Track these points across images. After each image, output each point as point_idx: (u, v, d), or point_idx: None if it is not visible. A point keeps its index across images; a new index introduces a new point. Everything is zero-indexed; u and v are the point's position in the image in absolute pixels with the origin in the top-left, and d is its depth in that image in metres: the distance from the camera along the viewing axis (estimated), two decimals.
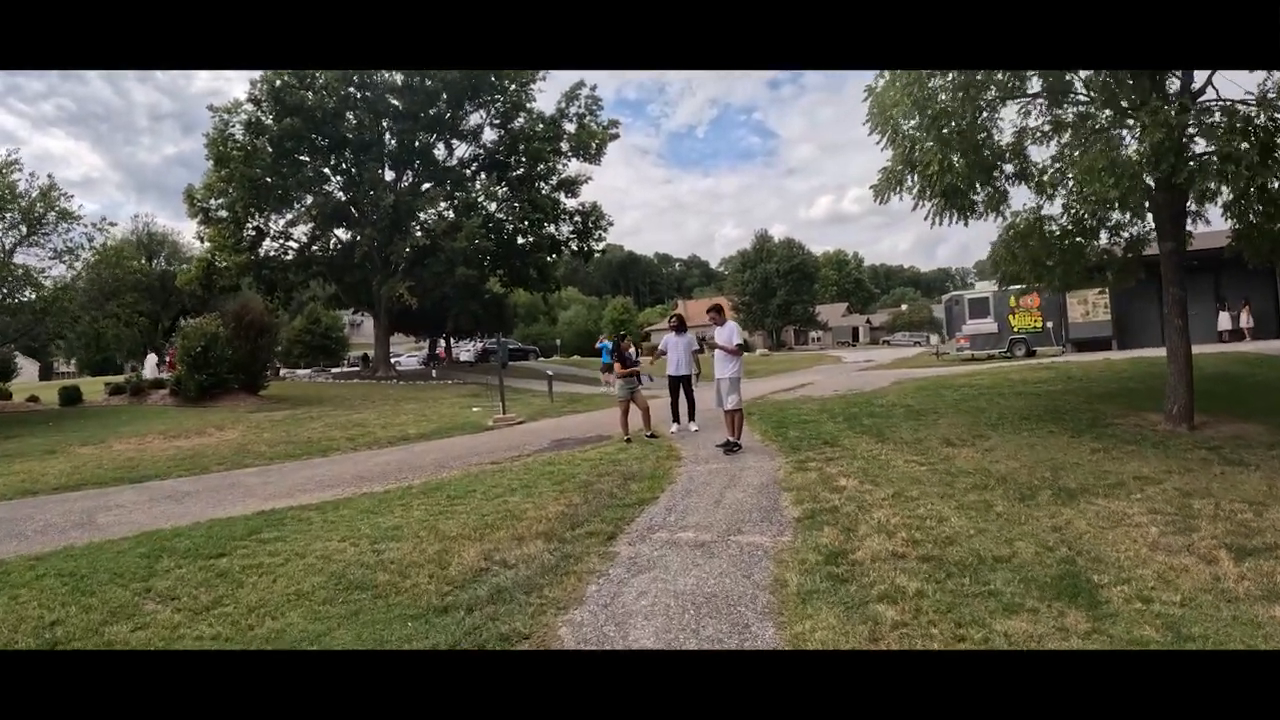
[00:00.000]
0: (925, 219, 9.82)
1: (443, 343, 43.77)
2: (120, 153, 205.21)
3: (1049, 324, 24.37)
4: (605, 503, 6.31)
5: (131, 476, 10.45)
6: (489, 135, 30.33)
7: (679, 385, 10.80)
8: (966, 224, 9.91)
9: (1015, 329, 24.83)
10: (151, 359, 25.23)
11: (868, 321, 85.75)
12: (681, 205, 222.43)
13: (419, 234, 28.01)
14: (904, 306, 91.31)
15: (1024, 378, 14.78)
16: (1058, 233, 10.13)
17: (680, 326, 10.79)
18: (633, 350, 11.11)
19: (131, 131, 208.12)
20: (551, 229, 30.72)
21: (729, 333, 9.09)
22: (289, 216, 28.82)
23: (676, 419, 10.91)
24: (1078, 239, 10.31)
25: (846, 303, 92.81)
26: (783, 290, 67.12)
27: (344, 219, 29.01)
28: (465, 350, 45.08)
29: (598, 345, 27.97)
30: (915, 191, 9.17)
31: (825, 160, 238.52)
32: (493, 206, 29.72)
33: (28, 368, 53.48)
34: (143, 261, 37.41)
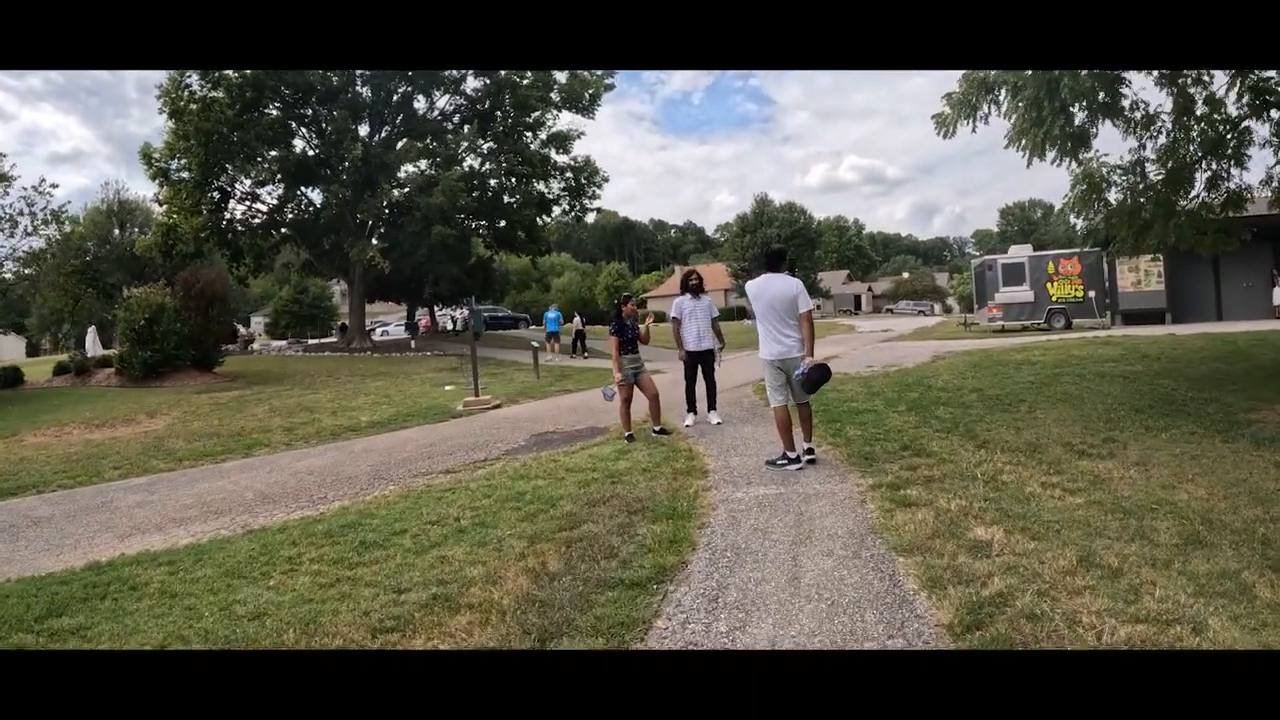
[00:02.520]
0: (1019, 151, 7.55)
1: (423, 310, 40.98)
2: (111, 125, 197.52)
3: (1091, 293, 22.02)
4: (600, 573, 3.87)
5: (2, 488, 8.23)
6: (472, 83, 27.56)
7: (698, 364, 8.47)
8: (1077, 161, 7.74)
9: (1054, 298, 22.46)
10: (92, 333, 22.76)
11: (869, 289, 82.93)
12: (677, 172, 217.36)
13: (394, 192, 25.39)
14: (906, 274, 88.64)
15: (1090, 354, 12.52)
16: (1142, 185, 8.54)
17: (698, 288, 8.43)
18: (638, 320, 8.31)
19: (121, 104, 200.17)
20: (541, 186, 28.09)
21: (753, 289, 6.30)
22: (255, 176, 26.16)
23: (693, 408, 8.60)
24: (1163, 190, 8.59)
25: (847, 270, 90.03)
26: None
27: (312, 176, 26.34)
28: (459, 318, 42.62)
29: (545, 315, 25.52)
30: (1023, 109, 6.83)
31: (821, 128, 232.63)
32: (477, 162, 27.07)
33: (13, 345, 50.81)
34: (116, 232, 34.88)
